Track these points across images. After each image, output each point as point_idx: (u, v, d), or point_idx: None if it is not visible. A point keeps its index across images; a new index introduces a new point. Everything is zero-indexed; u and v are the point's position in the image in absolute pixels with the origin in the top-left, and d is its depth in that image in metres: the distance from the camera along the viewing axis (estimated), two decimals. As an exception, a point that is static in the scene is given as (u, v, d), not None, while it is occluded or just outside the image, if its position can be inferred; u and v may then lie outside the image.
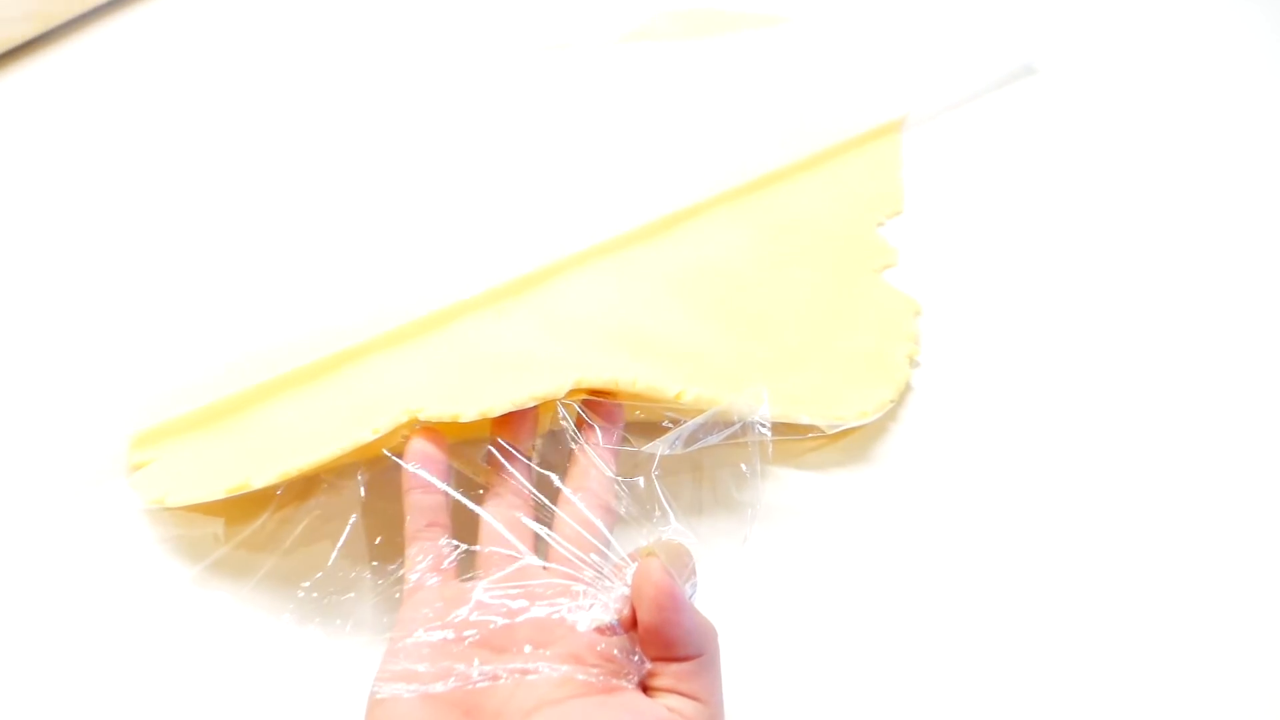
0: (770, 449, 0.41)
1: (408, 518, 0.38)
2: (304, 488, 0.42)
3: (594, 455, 0.39)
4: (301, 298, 0.48)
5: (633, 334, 0.47)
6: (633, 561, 0.34)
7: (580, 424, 0.40)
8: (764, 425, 0.40)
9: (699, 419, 0.40)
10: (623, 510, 0.39)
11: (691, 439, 0.40)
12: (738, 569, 0.41)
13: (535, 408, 0.41)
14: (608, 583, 0.35)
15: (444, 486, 0.38)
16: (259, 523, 0.42)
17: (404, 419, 0.39)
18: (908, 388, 0.48)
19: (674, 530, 0.37)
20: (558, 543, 0.37)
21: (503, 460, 0.39)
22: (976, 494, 0.44)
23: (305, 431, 0.42)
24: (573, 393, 0.41)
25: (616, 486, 0.39)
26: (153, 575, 0.41)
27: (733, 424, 0.40)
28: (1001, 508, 0.44)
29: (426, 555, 0.37)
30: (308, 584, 0.40)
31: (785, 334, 0.49)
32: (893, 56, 0.66)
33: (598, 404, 0.41)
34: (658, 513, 0.38)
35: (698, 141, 0.58)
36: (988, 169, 0.59)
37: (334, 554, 0.40)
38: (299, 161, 0.57)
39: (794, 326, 0.50)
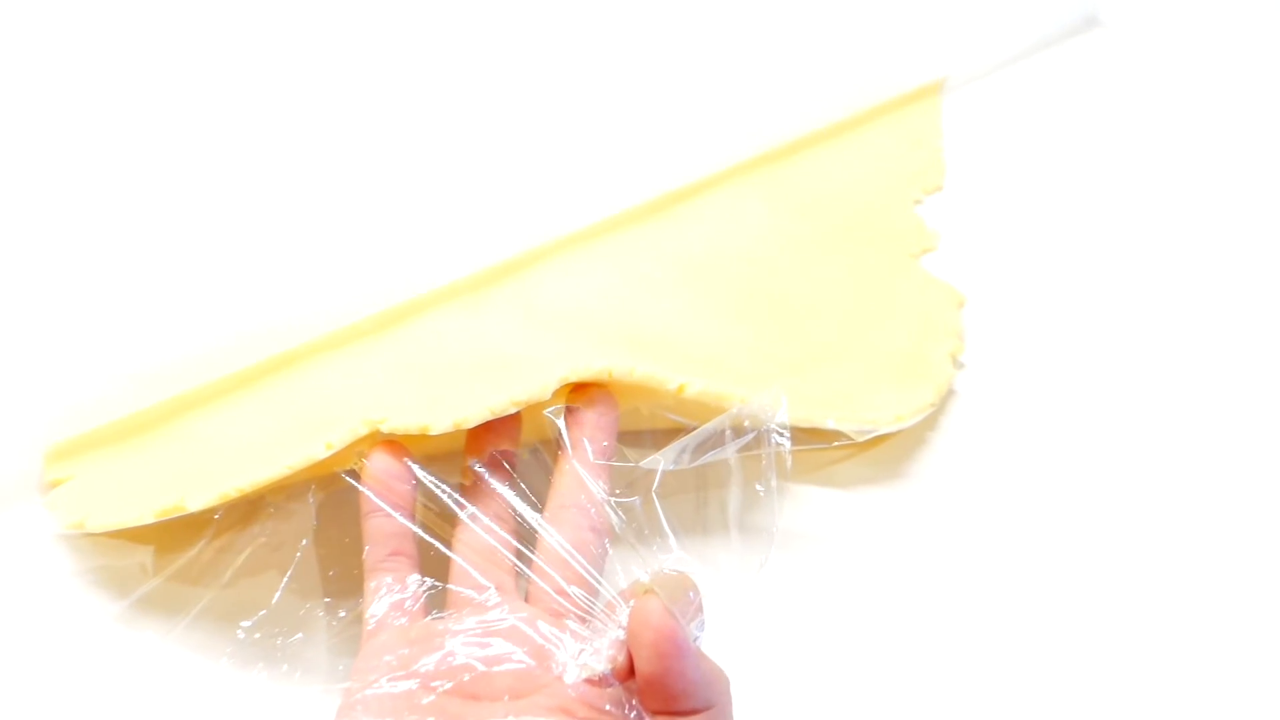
0: (790, 462, 0.43)
1: (367, 546, 0.38)
2: (246, 511, 0.42)
3: (583, 472, 0.39)
4: (244, 289, 0.48)
5: (631, 329, 0.47)
6: (628, 600, 0.34)
7: (569, 429, 0.40)
8: (782, 434, 0.40)
9: (705, 427, 0.40)
10: (617, 536, 0.38)
11: (697, 451, 0.40)
12: (751, 604, 0.40)
13: (517, 416, 0.40)
14: (599, 624, 0.35)
15: (406, 521, 0.38)
16: (194, 551, 0.41)
17: (363, 431, 0.39)
18: (949, 391, 0.48)
19: (676, 559, 0.37)
20: (541, 577, 0.37)
21: (479, 479, 0.39)
22: (1027, 515, 0.44)
23: (248, 446, 0.42)
24: (559, 393, 0.40)
25: (609, 509, 0.39)
26: (70, 611, 0.40)
27: (746, 432, 0.40)
28: (1056, 530, 0.44)
29: (389, 590, 0.37)
30: (250, 623, 0.40)
31: (808, 328, 0.49)
32: (932, 6, 0.65)
33: (590, 404, 0.41)
34: (658, 539, 0.38)
35: (707, 106, 0.58)
36: (1041, 139, 0.60)
37: (281, 588, 0.40)
38: (238, 132, 0.57)
39: (819, 319, 0.50)
